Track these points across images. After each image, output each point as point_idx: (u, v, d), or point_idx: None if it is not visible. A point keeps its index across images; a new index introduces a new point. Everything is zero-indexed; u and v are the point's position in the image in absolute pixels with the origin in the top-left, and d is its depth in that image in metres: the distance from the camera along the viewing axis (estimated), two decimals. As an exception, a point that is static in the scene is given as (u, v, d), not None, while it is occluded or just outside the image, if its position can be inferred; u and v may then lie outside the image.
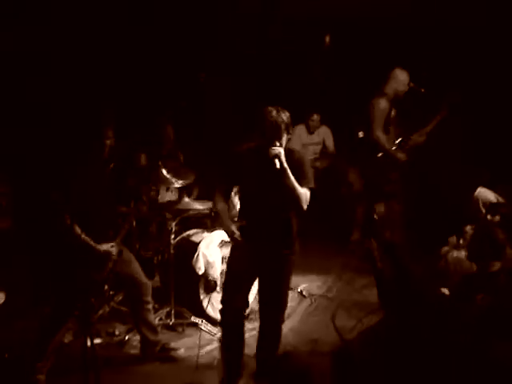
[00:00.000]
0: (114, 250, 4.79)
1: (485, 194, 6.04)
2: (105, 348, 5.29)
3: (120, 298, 5.66)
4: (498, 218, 5.46)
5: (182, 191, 6.11)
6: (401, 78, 6.72)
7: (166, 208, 5.82)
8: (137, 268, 5.03)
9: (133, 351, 5.31)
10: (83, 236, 4.62)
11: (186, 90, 8.07)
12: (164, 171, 5.57)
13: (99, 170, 4.80)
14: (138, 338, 5.32)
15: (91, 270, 4.66)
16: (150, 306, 5.09)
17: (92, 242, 4.68)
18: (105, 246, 4.76)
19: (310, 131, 8.74)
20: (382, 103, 6.72)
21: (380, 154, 6.75)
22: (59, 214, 4.49)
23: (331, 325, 5.80)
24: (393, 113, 6.84)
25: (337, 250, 7.36)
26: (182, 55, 7.84)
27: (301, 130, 8.68)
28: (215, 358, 5.16)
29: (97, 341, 5.10)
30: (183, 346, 5.29)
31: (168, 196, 6.38)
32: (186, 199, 5.81)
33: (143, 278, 5.02)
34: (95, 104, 6.35)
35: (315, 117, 8.65)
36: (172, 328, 5.64)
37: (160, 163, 5.51)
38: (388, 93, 6.75)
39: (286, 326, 5.76)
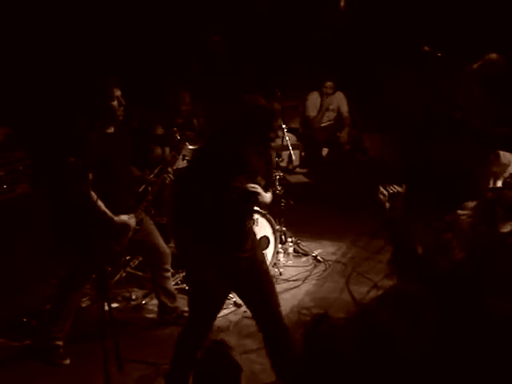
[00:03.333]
0: (132, 222, 4.74)
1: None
2: (122, 312, 5.37)
3: (136, 262, 5.71)
4: None
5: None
6: None
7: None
8: (157, 236, 5.03)
9: (149, 315, 5.39)
10: (99, 204, 4.51)
11: (199, 53, 8.01)
12: (178, 137, 5.55)
13: (117, 133, 4.75)
14: (154, 302, 5.39)
15: (109, 239, 4.67)
16: (169, 274, 5.14)
17: (109, 213, 4.59)
18: (123, 218, 4.69)
19: (324, 98, 8.68)
20: None
21: None
22: (77, 179, 4.44)
23: (346, 289, 5.84)
24: None
25: (352, 215, 7.34)
26: (194, 17, 7.77)
27: (315, 96, 8.64)
28: (231, 321, 5.23)
29: (114, 305, 5.16)
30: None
31: (182, 164, 6.38)
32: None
33: (163, 247, 5.05)
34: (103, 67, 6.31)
35: (329, 83, 8.59)
36: (188, 292, 5.68)
37: (176, 130, 5.49)
38: None
39: (302, 290, 5.84)
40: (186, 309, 5.20)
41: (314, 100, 8.63)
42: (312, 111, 8.61)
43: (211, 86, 7.65)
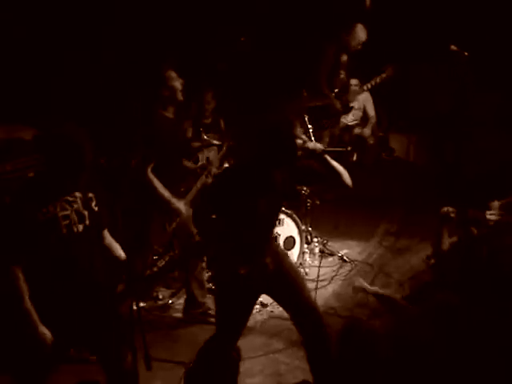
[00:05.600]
0: (184, 209, 4.89)
1: None
2: (148, 312, 5.42)
3: (163, 263, 5.75)
4: None
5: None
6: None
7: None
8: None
9: (176, 315, 5.44)
10: (157, 183, 4.71)
11: (225, 52, 8.02)
12: (206, 137, 5.62)
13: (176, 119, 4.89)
14: (180, 301, 5.44)
15: (164, 220, 4.79)
16: (204, 265, 5.20)
17: (167, 194, 4.78)
18: (178, 204, 4.85)
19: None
20: None
21: None
22: (138, 158, 4.61)
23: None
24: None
25: (377, 215, 7.33)
26: (219, 16, 7.79)
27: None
28: (257, 321, 5.25)
29: (141, 304, 5.21)
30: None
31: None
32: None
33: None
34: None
35: (354, 81, 8.54)
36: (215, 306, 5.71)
37: (202, 131, 5.55)
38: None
39: (328, 290, 5.85)
40: (212, 308, 5.31)
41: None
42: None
43: (237, 87, 7.66)
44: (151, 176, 4.73)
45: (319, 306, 5.35)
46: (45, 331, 3.26)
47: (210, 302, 5.40)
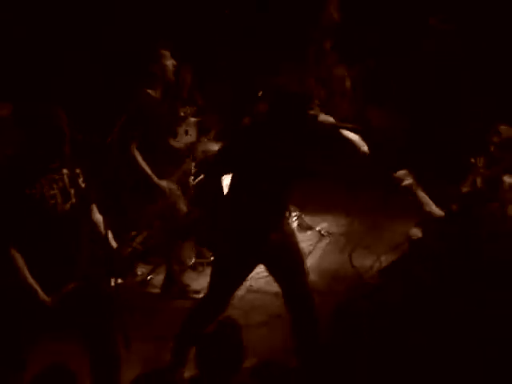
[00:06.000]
0: (169, 188, 4.90)
1: None
2: (127, 288, 5.41)
3: (141, 239, 5.75)
4: None
5: (200, 132, 6.10)
6: None
7: (191, 149, 5.84)
8: (183, 204, 5.12)
9: (155, 290, 5.46)
10: (141, 161, 4.72)
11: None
12: (182, 113, 5.58)
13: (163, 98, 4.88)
14: (160, 277, 5.45)
15: (148, 201, 4.78)
16: (185, 243, 5.23)
17: (153, 176, 4.78)
18: (164, 183, 4.86)
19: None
20: None
21: None
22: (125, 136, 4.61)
23: (349, 263, 5.88)
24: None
25: (355, 189, 7.34)
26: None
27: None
28: (235, 295, 5.27)
29: (119, 281, 5.21)
30: (204, 284, 5.41)
31: (185, 139, 6.37)
32: (205, 139, 5.84)
33: (184, 209, 5.12)
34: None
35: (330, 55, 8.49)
36: (193, 267, 5.75)
37: (179, 105, 5.51)
38: None
39: (307, 264, 5.87)
40: (191, 285, 5.33)
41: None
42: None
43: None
44: (136, 153, 4.71)
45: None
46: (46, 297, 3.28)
47: (189, 279, 5.45)
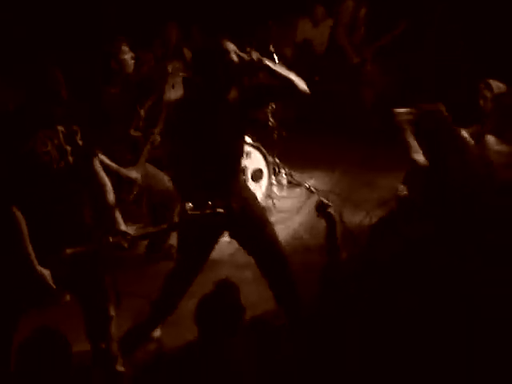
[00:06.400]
0: (138, 177, 4.91)
1: None
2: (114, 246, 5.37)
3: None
4: None
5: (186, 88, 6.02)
6: None
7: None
8: (162, 179, 5.11)
9: (143, 250, 5.42)
10: (104, 158, 4.60)
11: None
12: (169, 69, 5.50)
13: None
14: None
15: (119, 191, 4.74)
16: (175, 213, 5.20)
17: (118, 168, 4.78)
18: (130, 173, 4.87)
19: (315, 25, 8.50)
20: None
21: None
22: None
23: (338, 220, 5.87)
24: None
25: (342, 144, 7.32)
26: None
27: (305, 23, 8.46)
28: (224, 253, 5.28)
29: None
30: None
31: (173, 93, 6.30)
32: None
33: (169, 187, 5.08)
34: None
35: (319, 9, 8.39)
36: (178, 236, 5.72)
37: (166, 63, 5.44)
38: None
39: (296, 221, 5.89)
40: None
41: (302, 26, 8.44)
42: (299, 39, 8.45)
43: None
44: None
45: (287, 236, 5.51)
46: (44, 271, 3.23)
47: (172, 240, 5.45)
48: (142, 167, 5.04)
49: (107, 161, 4.71)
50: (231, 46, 3.63)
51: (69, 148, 3.31)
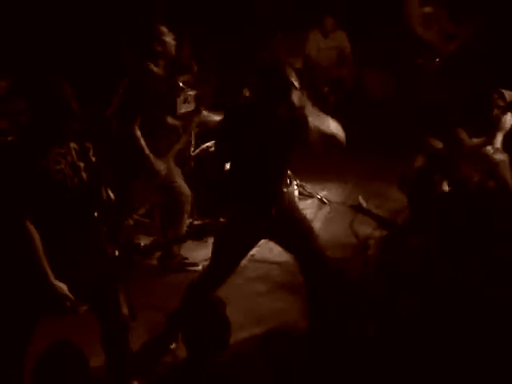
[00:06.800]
0: (162, 169, 4.88)
1: None
2: (127, 258, 5.41)
3: (143, 211, 5.76)
4: None
5: (198, 102, 6.08)
6: None
7: (187, 119, 5.83)
8: (181, 183, 5.14)
9: (153, 262, 5.44)
10: (143, 143, 4.68)
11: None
12: (180, 83, 5.55)
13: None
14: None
15: (143, 179, 4.79)
16: (185, 217, 5.22)
17: (151, 155, 4.75)
18: (159, 164, 4.83)
19: (325, 36, 8.55)
20: None
21: None
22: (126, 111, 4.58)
23: (350, 230, 5.91)
24: None
25: (355, 156, 7.32)
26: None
27: (315, 34, 8.51)
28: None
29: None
30: (206, 254, 5.43)
31: (184, 107, 6.35)
32: (204, 112, 5.82)
33: (186, 192, 5.13)
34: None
35: (328, 20, 8.44)
36: (196, 237, 5.78)
37: (177, 76, 5.48)
38: None
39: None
40: (189, 258, 5.35)
41: (314, 38, 8.49)
42: (312, 51, 8.50)
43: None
44: (138, 133, 4.69)
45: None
46: (60, 284, 3.25)
47: (190, 250, 5.49)
48: (170, 160, 5.03)
49: (147, 149, 4.72)
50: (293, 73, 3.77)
51: (82, 164, 3.34)
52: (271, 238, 4.20)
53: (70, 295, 3.28)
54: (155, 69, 4.83)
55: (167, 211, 5.25)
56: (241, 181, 3.95)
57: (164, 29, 4.83)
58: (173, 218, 5.17)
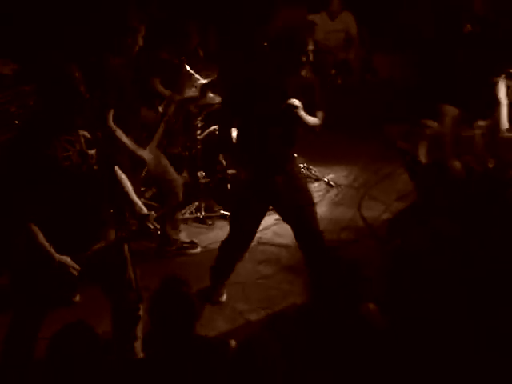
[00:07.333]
0: (149, 157, 4.84)
1: None
2: (135, 243, 5.41)
3: (151, 194, 5.77)
4: None
5: (205, 86, 6.06)
6: None
7: (190, 103, 5.82)
8: (170, 171, 5.13)
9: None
10: (124, 138, 4.64)
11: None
12: (188, 67, 5.53)
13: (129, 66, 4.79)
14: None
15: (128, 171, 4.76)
16: (179, 204, 5.23)
17: (134, 147, 4.71)
18: (143, 153, 4.79)
19: (332, 18, 8.49)
20: None
21: None
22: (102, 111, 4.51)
23: (358, 213, 5.91)
24: None
25: (362, 139, 7.30)
26: None
27: (322, 17, 8.46)
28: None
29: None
30: (213, 237, 5.47)
31: (191, 91, 6.34)
32: (210, 94, 5.81)
33: (176, 180, 5.14)
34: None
35: (335, 2, 8.38)
36: (202, 221, 5.79)
37: (183, 60, 5.46)
38: None
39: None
40: (187, 240, 5.37)
41: (320, 20, 8.44)
42: (319, 33, 8.45)
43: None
44: (112, 124, 4.61)
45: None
46: (64, 257, 3.26)
47: (197, 233, 5.53)
48: (154, 149, 5.00)
49: (125, 138, 4.67)
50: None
51: (91, 152, 3.34)
52: (274, 205, 4.43)
53: (76, 265, 3.27)
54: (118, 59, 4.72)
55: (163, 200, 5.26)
56: (249, 145, 4.22)
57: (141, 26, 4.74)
58: (167, 204, 5.18)
